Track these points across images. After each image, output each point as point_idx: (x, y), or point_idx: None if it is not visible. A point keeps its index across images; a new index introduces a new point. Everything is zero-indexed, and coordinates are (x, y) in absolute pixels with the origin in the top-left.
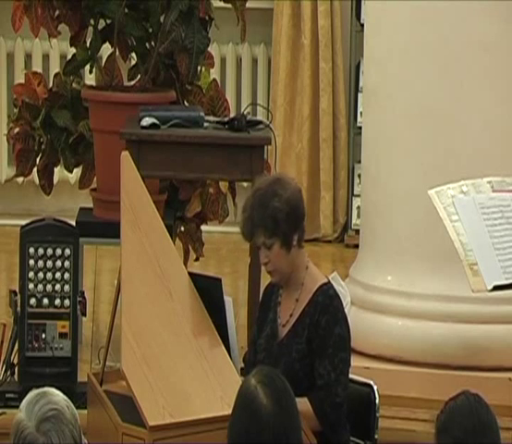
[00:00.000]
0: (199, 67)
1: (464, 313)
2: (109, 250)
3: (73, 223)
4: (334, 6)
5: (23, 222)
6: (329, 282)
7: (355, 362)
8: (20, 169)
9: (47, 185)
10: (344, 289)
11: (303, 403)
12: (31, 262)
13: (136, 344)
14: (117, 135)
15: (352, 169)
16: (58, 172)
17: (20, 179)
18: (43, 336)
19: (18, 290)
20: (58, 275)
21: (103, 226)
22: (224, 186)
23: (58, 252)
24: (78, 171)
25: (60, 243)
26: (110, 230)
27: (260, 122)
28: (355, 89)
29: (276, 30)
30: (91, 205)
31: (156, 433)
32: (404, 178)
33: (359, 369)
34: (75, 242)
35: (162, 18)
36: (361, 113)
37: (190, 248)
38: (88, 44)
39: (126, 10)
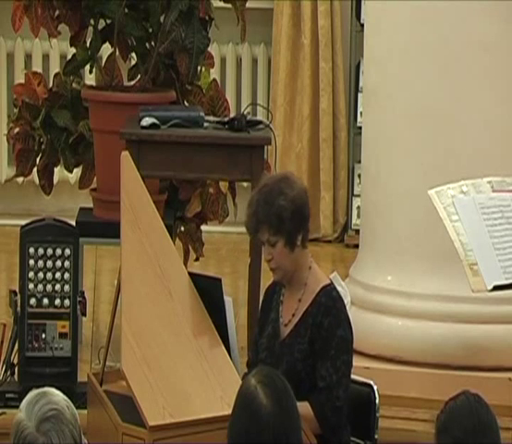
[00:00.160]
0: (199, 67)
1: (464, 313)
2: (109, 250)
3: (73, 223)
4: (334, 6)
5: (23, 222)
6: (332, 284)
7: (355, 362)
8: (20, 169)
9: (47, 185)
10: (344, 290)
11: (304, 407)
12: (31, 262)
13: (136, 344)
14: (117, 135)
15: (352, 169)
16: (58, 172)
17: (20, 179)
18: (43, 336)
19: (18, 290)
20: (58, 275)
21: (103, 226)
22: (224, 186)
23: (58, 252)
24: (78, 171)
25: (60, 243)
26: (110, 230)
27: (260, 122)
28: (355, 89)
29: (276, 30)
30: (91, 205)
31: (156, 433)
32: (404, 178)
33: (359, 369)
34: (75, 242)
35: (162, 18)
36: (361, 113)
37: (190, 248)
38: (88, 44)
39: (126, 10)
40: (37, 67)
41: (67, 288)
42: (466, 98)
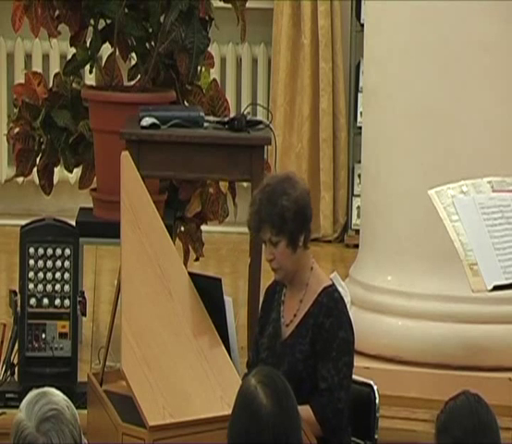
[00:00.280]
0: (199, 67)
1: (464, 313)
2: (109, 250)
3: (73, 223)
4: (334, 6)
5: (23, 222)
6: (333, 285)
7: (355, 362)
8: (20, 169)
9: (47, 185)
10: (344, 289)
11: (304, 410)
12: (31, 262)
13: (136, 344)
14: (117, 135)
15: (352, 169)
16: (58, 172)
17: (20, 179)
18: (43, 336)
19: (18, 290)
20: (58, 275)
21: (103, 226)
22: (224, 186)
23: (58, 252)
24: (78, 171)
25: (60, 243)
26: (110, 230)
27: (260, 122)
28: (355, 89)
29: (276, 30)
30: (91, 205)
31: (156, 433)
32: (404, 178)
33: (359, 369)
34: (75, 242)
35: (162, 18)
36: (361, 113)
37: (190, 248)
38: (88, 44)
39: (126, 10)
40: (37, 67)
41: (67, 288)
42: (466, 98)
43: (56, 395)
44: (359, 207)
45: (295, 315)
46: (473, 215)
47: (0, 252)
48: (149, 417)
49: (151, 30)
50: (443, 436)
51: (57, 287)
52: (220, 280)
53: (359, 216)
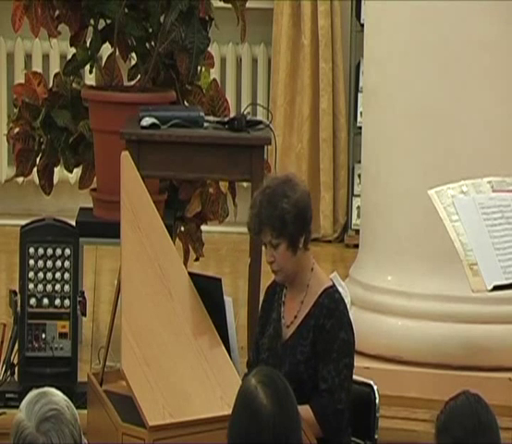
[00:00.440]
0: (199, 67)
1: (464, 313)
2: (109, 250)
3: (73, 223)
4: (334, 6)
5: (23, 222)
6: (334, 285)
7: (355, 362)
8: (20, 169)
9: (47, 185)
10: (344, 290)
11: (305, 410)
12: (31, 262)
13: (136, 344)
14: (117, 135)
15: (352, 169)
16: (58, 172)
17: (20, 179)
18: (43, 336)
19: (18, 290)
20: (58, 275)
21: (103, 226)
22: (224, 186)
23: (58, 252)
24: (78, 171)
25: (60, 243)
26: (110, 230)
27: (260, 122)
28: (355, 89)
29: (276, 30)
30: (91, 205)
31: (156, 433)
32: (404, 178)
33: (359, 369)
34: (75, 242)
35: (162, 18)
36: (361, 113)
37: (190, 248)
38: (88, 44)
39: (126, 10)
40: (37, 67)
41: (67, 288)
42: (466, 98)
43: (56, 395)
44: (359, 207)
45: (296, 317)
46: (473, 215)
47: (0, 252)
48: (149, 417)
49: (151, 30)
50: (443, 436)
51: (57, 287)
52: (220, 280)
53: (359, 216)
